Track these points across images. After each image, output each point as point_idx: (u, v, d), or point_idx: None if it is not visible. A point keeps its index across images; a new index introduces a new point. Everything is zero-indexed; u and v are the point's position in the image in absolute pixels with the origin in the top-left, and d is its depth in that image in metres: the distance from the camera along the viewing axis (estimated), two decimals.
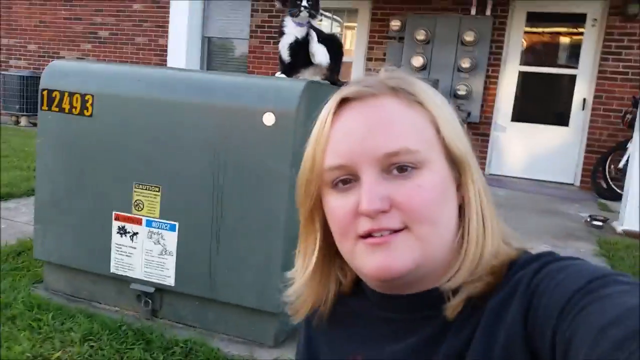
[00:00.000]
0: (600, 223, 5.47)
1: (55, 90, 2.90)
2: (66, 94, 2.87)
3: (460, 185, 0.66)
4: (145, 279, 2.79)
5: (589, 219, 5.55)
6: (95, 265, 2.90)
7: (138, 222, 2.77)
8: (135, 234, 2.78)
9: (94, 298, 3.00)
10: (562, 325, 0.50)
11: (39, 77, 3.02)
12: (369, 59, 8.58)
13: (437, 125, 0.64)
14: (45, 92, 2.92)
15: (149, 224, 2.75)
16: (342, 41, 3.11)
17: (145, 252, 2.77)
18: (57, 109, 2.90)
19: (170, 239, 2.73)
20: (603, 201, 6.78)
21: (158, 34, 9.89)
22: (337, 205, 0.64)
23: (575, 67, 7.81)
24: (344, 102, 0.65)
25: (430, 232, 0.61)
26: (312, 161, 0.65)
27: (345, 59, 9.22)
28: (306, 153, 0.67)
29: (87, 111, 2.84)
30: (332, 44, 3.08)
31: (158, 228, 2.74)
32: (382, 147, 0.61)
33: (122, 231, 2.81)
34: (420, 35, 7.88)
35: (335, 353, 0.73)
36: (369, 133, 0.62)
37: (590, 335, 0.45)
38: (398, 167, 0.61)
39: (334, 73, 3.10)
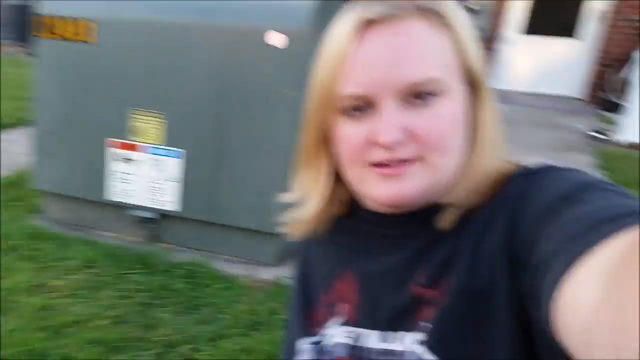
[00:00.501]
0: (601, 135, 5.39)
1: (55, 16, 2.73)
2: (69, 20, 2.70)
3: (474, 105, 0.64)
4: (147, 205, 2.76)
5: (591, 132, 5.47)
6: (94, 193, 2.87)
7: (137, 148, 2.70)
8: (135, 160, 2.72)
9: (94, 226, 2.99)
10: (536, 228, 0.51)
11: (29, 7, 2.84)
12: None
13: (462, 47, 0.61)
14: (44, 19, 2.75)
15: (149, 150, 2.68)
16: None
17: (148, 179, 2.72)
18: (57, 36, 2.74)
19: (173, 165, 2.67)
20: (607, 114, 6.65)
21: None
22: (350, 132, 0.62)
23: None
24: (366, 23, 0.60)
25: (443, 160, 0.61)
26: (328, 86, 0.62)
27: None
28: (320, 75, 0.63)
29: (91, 38, 2.69)
30: None
31: (159, 154, 2.67)
32: (407, 77, 0.58)
33: (121, 158, 2.75)
34: None
35: (327, 270, 0.73)
36: (394, 63, 0.58)
37: (550, 235, 0.48)
38: (418, 94, 0.59)
39: None
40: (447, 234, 0.62)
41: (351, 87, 0.60)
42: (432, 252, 0.63)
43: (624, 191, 0.51)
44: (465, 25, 0.63)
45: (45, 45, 2.78)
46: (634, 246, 0.34)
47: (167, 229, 2.86)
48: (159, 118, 2.63)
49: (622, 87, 6.50)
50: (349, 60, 0.60)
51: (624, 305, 0.31)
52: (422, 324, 0.60)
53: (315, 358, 0.69)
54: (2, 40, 9.66)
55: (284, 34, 2.34)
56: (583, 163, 4.37)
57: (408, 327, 0.62)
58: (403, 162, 0.60)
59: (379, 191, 0.62)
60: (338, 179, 0.70)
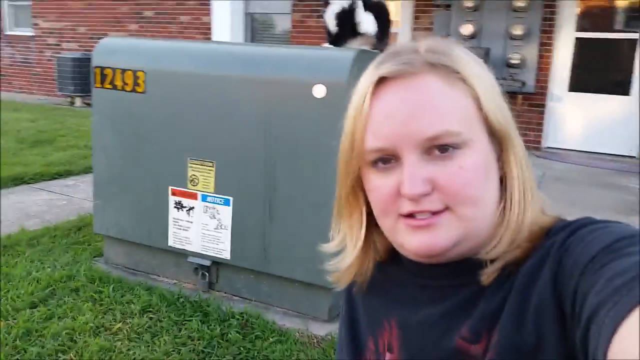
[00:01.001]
0: None
1: (107, 67, 2.93)
2: (118, 71, 2.90)
3: (502, 158, 0.65)
4: (202, 252, 2.82)
5: None
6: (153, 239, 2.96)
7: (194, 196, 2.79)
8: (192, 208, 2.81)
9: (152, 271, 3.07)
10: (582, 283, 0.50)
11: (90, 59, 3.06)
12: (415, 29, 8.36)
13: (479, 100, 0.62)
14: (97, 70, 2.96)
15: (204, 198, 2.77)
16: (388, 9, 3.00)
17: (202, 226, 2.80)
18: (110, 86, 2.94)
19: (225, 213, 2.74)
20: None
21: (201, 11, 9.92)
22: (378, 184, 0.64)
23: (635, 32, 7.35)
24: (382, 80, 0.63)
25: (472, 211, 0.61)
26: (352, 141, 0.65)
27: (393, 29, 8.97)
28: (345, 130, 0.67)
29: (139, 87, 2.86)
30: (379, 11, 2.98)
31: (213, 202, 2.75)
32: (423, 131, 0.60)
33: (179, 206, 2.84)
34: (469, 2, 7.59)
35: (372, 317, 0.74)
36: (410, 116, 0.61)
37: (599, 287, 0.47)
38: (439, 147, 0.60)
39: (383, 42, 3.01)
40: (490, 288, 0.62)
41: (373, 140, 0.63)
42: (475, 306, 0.63)
43: None
44: (481, 76, 0.64)
45: (100, 95, 2.97)
46: None
47: (222, 277, 2.90)
48: (211, 166, 2.72)
49: None
50: (369, 114, 0.63)
51: None
52: None
53: None
54: (64, 92, 10.24)
55: (325, 84, 2.41)
56: None
57: None
58: (433, 213, 0.61)
59: (410, 243, 0.63)
60: (377, 226, 0.71)
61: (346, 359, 0.76)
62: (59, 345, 2.24)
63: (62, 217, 3.84)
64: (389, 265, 0.74)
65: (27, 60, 12.14)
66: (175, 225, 2.86)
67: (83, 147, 6.01)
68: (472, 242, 0.63)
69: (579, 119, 7.73)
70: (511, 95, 7.25)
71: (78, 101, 10.28)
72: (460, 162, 0.60)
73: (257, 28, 9.82)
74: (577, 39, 7.67)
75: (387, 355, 0.70)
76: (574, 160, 6.91)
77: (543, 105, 7.68)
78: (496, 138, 0.64)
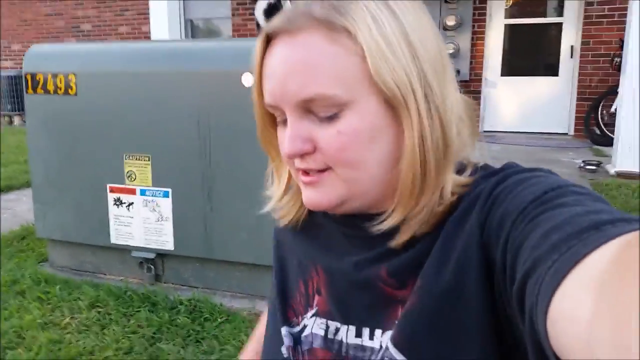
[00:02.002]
0: (593, 167, 5.55)
1: (39, 72, 2.96)
2: (49, 76, 2.93)
3: (396, 121, 0.60)
4: (146, 245, 2.88)
5: (582, 164, 5.62)
6: (96, 238, 3.00)
7: (132, 192, 2.86)
8: (131, 203, 2.87)
9: (98, 270, 3.11)
10: (514, 234, 0.49)
11: None
12: None
13: (371, 59, 0.56)
14: (28, 76, 2.98)
15: (142, 192, 2.84)
16: None
17: (143, 220, 2.86)
18: (42, 91, 2.97)
19: (165, 205, 2.81)
20: (597, 147, 6.85)
21: (140, 21, 9.88)
22: (279, 138, 0.66)
23: (561, 15, 7.80)
24: (271, 37, 0.62)
25: (353, 173, 0.61)
26: (255, 96, 0.67)
27: None
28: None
29: (72, 90, 2.91)
30: None
31: (152, 196, 2.83)
32: (297, 92, 0.58)
33: (119, 202, 2.90)
34: None
35: (302, 260, 0.75)
36: (287, 76, 0.59)
37: (534, 241, 0.45)
38: (318, 111, 0.59)
39: None
40: (415, 237, 0.62)
41: (266, 97, 0.63)
42: (395, 251, 0.63)
43: (595, 195, 0.51)
44: (376, 33, 0.57)
45: (32, 101, 3.01)
46: (621, 257, 0.34)
47: (168, 269, 2.97)
48: (147, 161, 2.79)
49: (610, 121, 6.73)
50: (259, 71, 0.64)
51: (619, 319, 0.30)
52: (395, 323, 0.61)
53: (293, 345, 0.71)
54: (1, 111, 9.99)
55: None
56: None
57: (383, 326, 0.63)
58: (319, 171, 0.62)
59: (303, 196, 0.65)
60: None
61: (276, 297, 0.76)
62: (7, 342, 2.27)
63: (6, 229, 3.82)
64: (319, 213, 0.73)
65: None
66: (116, 221, 2.92)
67: (23, 163, 5.91)
68: (362, 199, 0.63)
69: (513, 102, 8.12)
70: None
71: (17, 119, 10.04)
72: (339, 126, 0.58)
73: (198, 34, 9.85)
74: (507, 25, 8.06)
75: (316, 298, 0.71)
76: (510, 141, 7.25)
77: (479, 92, 8.03)
78: (389, 99, 0.58)
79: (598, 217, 0.43)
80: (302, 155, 0.61)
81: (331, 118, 0.59)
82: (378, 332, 0.63)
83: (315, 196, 0.63)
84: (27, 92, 3.01)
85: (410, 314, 0.58)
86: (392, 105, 0.58)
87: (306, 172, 0.62)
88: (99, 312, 2.60)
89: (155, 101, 2.76)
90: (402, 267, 0.62)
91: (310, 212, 0.75)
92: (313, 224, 0.75)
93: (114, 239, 2.94)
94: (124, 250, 2.96)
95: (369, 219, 0.64)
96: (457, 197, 0.61)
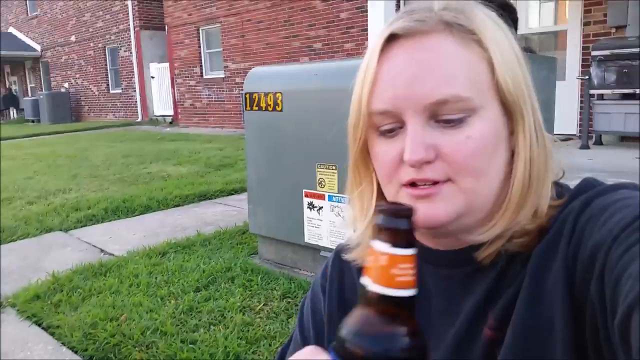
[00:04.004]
0: None
1: (255, 92, 3.47)
2: (262, 95, 3.42)
3: (512, 131, 0.60)
4: (331, 246, 3.16)
5: None
6: (293, 237, 3.39)
7: (322, 197, 3.16)
8: (321, 208, 3.18)
9: (295, 265, 3.50)
10: (609, 265, 0.47)
11: None
12: (586, 24, 7.81)
13: (493, 66, 0.58)
14: (247, 95, 3.52)
15: (330, 198, 3.12)
16: None
17: (330, 223, 3.15)
18: (256, 108, 3.48)
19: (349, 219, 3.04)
20: None
21: (364, 37, 10.51)
22: (381, 150, 0.61)
23: None
24: (392, 37, 0.59)
25: (475, 184, 0.58)
26: (359, 104, 0.62)
27: (559, 27, 8.43)
28: (353, 94, 0.64)
29: (278, 107, 3.34)
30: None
31: (337, 202, 3.09)
32: (430, 94, 0.56)
33: (311, 206, 3.23)
34: None
35: None
36: (416, 78, 0.57)
37: (636, 271, 0.44)
38: (447, 114, 0.57)
39: None
40: (509, 273, 0.60)
41: (378, 102, 0.59)
42: (497, 294, 0.61)
43: None
44: (499, 41, 0.59)
45: (249, 116, 3.53)
46: None
47: None
48: (334, 169, 3.05)
49: None
50: (375, 76, 0.60)
51: None
52: None
53: None
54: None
55: None
56: None
57: None
58: (434, 183, 0.58)
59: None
60: None
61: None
62: (211, 319, 2.74)
63: (232, 224, 4.52)
64: None
65: (220, 99, 14.03)
66: (309, 223, 3.26)
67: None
68: (474, 216, 0.60)
69: None
70: None
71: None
72: (468, 132, 0.57)
73: None
74: None
75: None
76: None
77: None
78: (508, 109, 0.59)
79: None
80: (421, 165, 0.57)
81: (457, 124, 0.57)
82: None
83: (432, 210, 0.58)
84: (245, 109, 3.56)
85: (511, 351, 0.56)
86: (510, 114, 0.59)
87: (414, 186, 0.59)
88: (288, 302, 2.95)
89: (344, 115, 3.00)
90: (503, 308, 0.59)
91: None
92: None
93: (307, 239, 3.29)
94: (315, 249, 3.29)
95: (468, 253, 0.62)
96: (544, 220, 0.59)
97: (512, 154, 0.60)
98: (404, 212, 0.44)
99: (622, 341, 0.44)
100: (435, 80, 0.56)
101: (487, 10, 0.61)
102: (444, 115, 0.57)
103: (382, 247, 0.42)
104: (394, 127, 0.59)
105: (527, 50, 2.97)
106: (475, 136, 0.57)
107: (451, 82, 0.56)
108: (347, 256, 0.73)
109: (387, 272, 0.42)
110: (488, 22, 0.59)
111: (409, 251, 0.43)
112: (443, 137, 0.57)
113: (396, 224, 0.43)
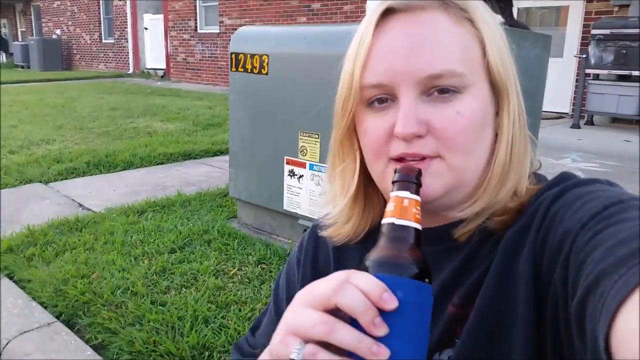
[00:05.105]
0: None
1: (240, 53, 3.38)
2: (248, 56, 3.33)
3: (497, 113, 0.62)
4: (310, 215, 3.14)
5: None
6: (272, 203, 3.36)
7: (303, 165, 3.12)
8: (301, 176, 3.14)
9: (273, 231, 3.48)
10: (575, 249, 0.48)
11: None
12: (589, 0, 7.66)
13: (484, 45, 0.59)
14: (233, 55, 3.43)
15: (311, 167, 3.08)
16: None
17: (309, 192, 3.12)
18: (242, 70, 3.39)
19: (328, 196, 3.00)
20: None
21: (363, 0, 10.28)
22: (371, 124, 0.61)
23: None
24: (388, 12, 0.60)
25: (463, 161, 0.59)
26: (351, 77, 0.62)
27: (561, 2, 8.33)
28: (344, 68, 0.64)
29: (264, 70, 3.26)
30: None
31: (318, 171, 3.05)
32: (425, 68, 0.57)
33: (292, 174, 3.19)
34: None
35: None
36: (412, 52, 0.57)
37: (598, 256, 0.44)
38: (439, 89, 0.58)
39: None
40: (481, 254, 0.61)
41: (371, 76, 0.60)
42: (466, 273, 0.62)
43: None
44: (490, 23, 0.61)
45: (234, 77, 3.43)
46: None
47: None
48: (317, 138, 3.00)
49: None
50: (370, 49, 0.60)
51: None
52: (456, 340, 0.61)
53: None
54: None
55: None
56: None
57: (450, 345, 0.62)
58: (423, 158, 0.58)
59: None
60: (373, 185, 0.67)
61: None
62: (183, 281, 2.73)
63: (214, 186, 4.48)
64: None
65: (214, 55, 13.77)
66: (288, 191, 3.22)
67: None
68: (460, 193, 0.61)
69: None
70: None
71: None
72: (459, 107, 0.58)
73: None
74: None
75: None
76: None
77: None
78: (496, 90, 0.61)
79: None
80: (412, 139, 0.58)
81: (449, 100, 0.58)
82: (445, 352, 0.62)
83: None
84: (230, 69, 3.47)
85: (473, 331, 0.58)
86: (497, 93, 0.61)
87: (403, 160, 0.59)
88: (262, 269, 2.94)
89: (328, 82, 2.93)
90: (469, 287, 0.61)
91: (370, 234, 0.69)
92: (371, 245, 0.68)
93: (286, 206, 3.26)
94: (293, 217, 3.26)
95: (448, 229, 0.63)
96: (525, 200, 0.61)
97: (496, 135, 0.62)
98: (413, 170, 0.55)
99: (577, 321, 0.45)
100: (431, 54, 0.57)
101: None
102: (434, 92, 0.58)
103: (404, 194, 0.52)
104: (385, 98, 0.60)
105: (521, 26, 2.89)
106: (465, 113, 0.58)
107: (446, 57, 0.57)
108: (323, 233, 0.73)
109: (410, 211, 0.51)
110: (479, 4, 0.62)
111: (419, 197, 0.53)
112: (434, 111, 0.58)
113: (409, 177, 0.53)
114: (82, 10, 18.74)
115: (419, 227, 0.52)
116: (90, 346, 2.27)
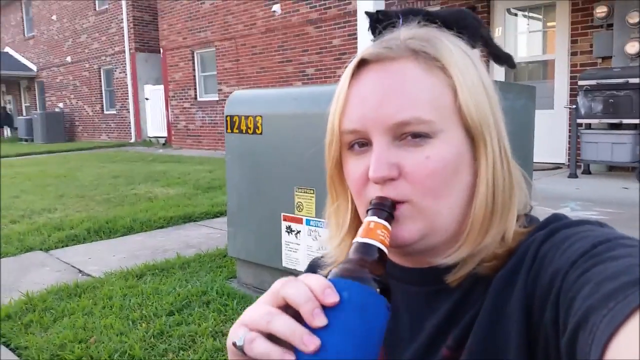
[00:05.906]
0: None
1: (235, 115, 3.48)
2: (243, 118, 3.43)
3: (475, 156, 0.63)
4: None
5: None
6: (271, 261, 3.36)
7: (300, 221, 3.14)
8: (299, 232, 3.16)
9: None
10: (565, 288, 0.49)
11: None
12: (573, 54, 7.92)
13: (456, 91, 0.61)
14: (228, 118, 3.53)
15: (307, 222, 3.10)
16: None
17: (307, 248, 3.12)
18: (237, 131, 3.48)
19: (324, 234, 3.02)
20: None
21: None
22: (352, 167, 0.65)
23: None
24: (362, 63, 0.64)
25: (433, 204, 0.60)
26: (332, 124, 0.66)
27: (547, 56, 8.58)
28: (329, 116, 0.68)
29: (258, 130, 3.35)
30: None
31: (315, 226, 3.07)
32: (393, 115, 0.60)
33: (289, 230, 3.21)
34: (634, 18, 7.01)
35: None
36: (381, 100, 0.61)
37: (586, 291, 0.45)
38: (412, 134, 0.60)
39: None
40: (473, 296, 0.62)
41: (347, 122, 0.64)
42: (459, 314, 0.63)
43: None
44: (463, 68, 0.62)
45: (230, 138, 3.52)
46: None
47: None
48: (312, 193, 3.04)
49: None
50: (346, 98, 0.64)
51: None
52: None
53: None
54: None
55: None
56: None
57: None
58: (395, 204, 0.60)
59: None
60: None
61: None
62: (181, 344, 2.70)
63: (214, 247, 4.48)
64: None
65: (214, 121, 14.07)
66: (286, 247, 3.23)
67: None
68: (438, 237, 0.63)
69: None
70: None
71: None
72: (429, 152, 0.60)
73: None
74: None
75: None
76: None
77: None
78: (470, 134, 0.62)
79: None
80: (384, 182, 0.60)
81: (420, 144, 0.60)
82: None
83: (395, 230, 0.60)
84: (226, 131, 3.56)
85: None
86: (473, 139, 0.62)
87: (378, 208, 0.60)
88: None
89: (320, 139, 3.00)
90: (463, 329, 0.61)
91: None
92: None
93: (285, 263, 3.26)
94: (292, 273, 3.25)
95: (436, 271, 0.64)
96: (515, 244, 0.61)
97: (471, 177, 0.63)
98: (387, 200, 0.60)
99: (568, 358, 0.46)
100: (398, 103, 0.60)
101: (457, 39, 0.65)
102: (405, 138, 0.60)
103: (372, 218, 0.57)
104: (364, 142, 0.63)
105: (502, 53, 2.91)
106: (434, 157, 0.60)
107: (414, 105, 0.60)
108: (321, 272, 0.73)
109: (375, 232, 0.55)
110: (455, 50, 0.63)
111: (386, 223, 0.57)
112: (406, 155, 0.60)
113: (382, 206, 0.58)
114: (84, 84, 19.31)
115: (382, 247, 0.54)
116: None
